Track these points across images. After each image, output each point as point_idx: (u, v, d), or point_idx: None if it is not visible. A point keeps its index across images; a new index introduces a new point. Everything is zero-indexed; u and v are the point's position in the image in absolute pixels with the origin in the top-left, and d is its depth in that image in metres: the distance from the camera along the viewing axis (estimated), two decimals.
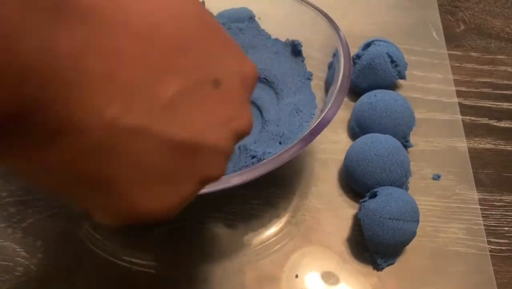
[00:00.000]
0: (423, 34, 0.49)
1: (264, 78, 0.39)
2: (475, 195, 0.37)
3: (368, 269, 0.33)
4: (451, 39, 0.49)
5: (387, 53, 0.40)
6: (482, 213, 0.37)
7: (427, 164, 0.39)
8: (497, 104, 0.44)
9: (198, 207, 0.36)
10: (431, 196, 0.37)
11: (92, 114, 0.14)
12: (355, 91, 0.42)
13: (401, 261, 0.34)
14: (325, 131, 0.30)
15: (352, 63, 0.34)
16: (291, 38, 0.41)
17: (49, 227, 0.35)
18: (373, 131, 0.37)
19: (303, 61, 0.41)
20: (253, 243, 0.34)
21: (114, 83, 0.14)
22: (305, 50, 0.41)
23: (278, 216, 0.36)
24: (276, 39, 0.42)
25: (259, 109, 0.39)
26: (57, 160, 0.14)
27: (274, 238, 0.35)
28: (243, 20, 0.42)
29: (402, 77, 0.41)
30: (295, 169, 0.38)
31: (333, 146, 0.40)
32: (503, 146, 0.41)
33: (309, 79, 0.40)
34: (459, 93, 0.44)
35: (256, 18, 0.43)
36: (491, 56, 0.48)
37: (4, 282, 0.32)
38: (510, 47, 0.49)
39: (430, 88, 0.44)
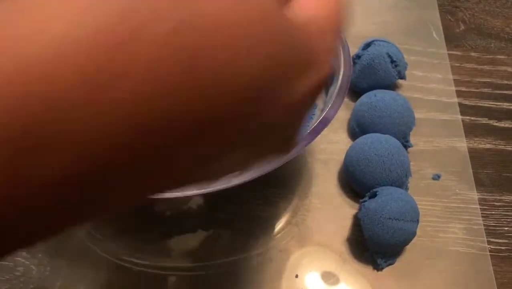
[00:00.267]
0: (423, 34, 0.49)
1: None
2: (475, 195, 0.37)
3: (368, 269, 0.33)
4: (451, 39, 0.49)
5: (387, 53, 0.40)
6: (482, 213, 0.37)
7: (427, 164, 0.39)
8: (497, 104, 0.44)
9: (198, 207, 0.36)
10: (431, 196, 0.37)
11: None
12: (355, 91, 0.42)
13: (401, 261, 0.34)
14: (325, 131, 0.30)
15: (352, 63, 0.34)
16: None
17: None
18: (373, 131, 0.37)
19: None
20: (253, 243, 0.34)
21: None
22: None
23: (278, 216, 0.36)
24: None
25: None
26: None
27: (274, 238, 0.35)
28: None
29: (402, 77, 0.41)
30: (295, 169, 0.38)
31: (333, 146, 0.40)
32: (503, 146, 0.41)
33: None
34: (459, 93, 0.44)
35: None
36: (491, 56, 0.48)
37: (4, 282, 0.32)
38: (510, 47, 0.48)
39: (430, 88, 0.44)
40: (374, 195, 0.33)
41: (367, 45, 0.42)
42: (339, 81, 0.33)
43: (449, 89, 0.44)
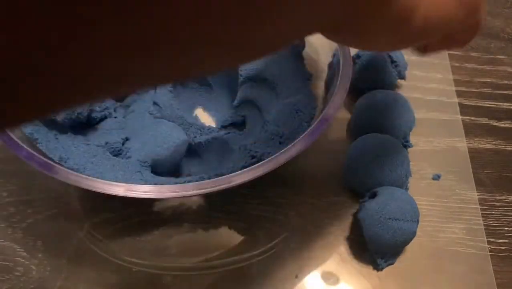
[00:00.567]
0: None
1: (264, 78, 0.39)
2: (475, 195, 0.37)
3: (368, 269, 0.33)
4: None
5: (387, 53, 0.40)
6: (482, 213, 0.37)
7: (427, 164, 0.39)
8: (497, 104, 0.44)
9: (198, 207, 0.36)
10: (431, 196, 0.37)
11: None
12: (355, 91, 0.42)
13: (401, 261, 0.34)
14: (325, 131, 0.30)
15: (352, 63, 0.34)
16: None
17: (49, 227, 0.35)
18: (373, 131, 0.37)
19: (303, 61, 0.41)
20: (253, 243, 0.34)
21: None
22: (305, 51, 0.41)
23: (278, 216, 0.36)
24: None
25: (259, 109, 0.39)
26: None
27: (274, 238, 0.35)
28: None
29: (402, 77, 0.41)
30: (295, 169, 0.38)
31: (333, 146, 0.40)
32: (503, 146, 0.41)
33: (309, 79, 0.40)
34: (459, 93, 0.44)
35: None
36: (491, 56, 0.48)
37: (4, 282, 0.32)
38: (510, 47, 0.48)
39: (430, 88, 0.44)
40: (374, 195, 0.33)
41: None
42: (339, 81, 0.33)
43: (449, 89, 0.44)
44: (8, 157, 0.36)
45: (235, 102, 0.39)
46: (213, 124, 0.40)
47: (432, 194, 0.37)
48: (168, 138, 0.35)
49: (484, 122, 0.42)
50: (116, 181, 0.28)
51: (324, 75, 0.39)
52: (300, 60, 0.41)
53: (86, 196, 0.36)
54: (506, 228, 0.36)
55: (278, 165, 0.29)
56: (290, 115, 0.37)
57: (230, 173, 0.28)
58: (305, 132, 0.30)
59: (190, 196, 0.33)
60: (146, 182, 0.32)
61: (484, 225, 0.36)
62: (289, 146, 0.29)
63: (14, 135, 0.29)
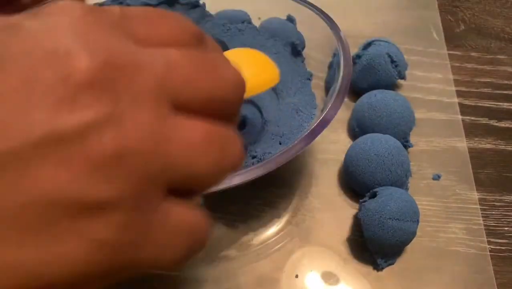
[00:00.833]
0: (423, 34, 0.49)
1: None
2: (475, 195, 0.37)
3: (368, 269, 0.33)
4: (451, 39, 0.49)
5: (387, 53, 0.40)
6: (482, 213, 0.37)
7: (427, 164, 0.39)
8: (497, 104, 0.44)
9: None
10: (431, 196, 0.37)
11: None
12: (355, 91, 0.42)
13: (401, 261, 0.34)
14: (325, 131, 0.30)
15: (352, 63, 0.34)
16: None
17: None
18: (373, 131, 0.37)
19: (303, 61, 0.41)
20: (253, 243, 0.35)
21: None
22: (305, 50, 0.41)
23: (278, 216, 0.36)
24: (276, 40, 0.42)
25: (259, 109, 0.39)
26: None
27: (274, 238, 0.35)
28: (243, 21, 0.42)
29: (402, 77, 0.42)
30: (295, 169, 0.38)
31: (333, 146, 0.40)
32: (503, 146, 0.41)
33: (309, 79, 0.40)
34: (459, 93, 0.44)
35: (256, 18, 0.43)
36: (491, 56, 0.48)
37: None
38: (510, 47, 0.49)
39: (430, 88, 0.44)
40: (374, 195, 0.33)
41: (367, 45, 0.42)
42: (339, 81, 0.33)
43: (449, 89, 0.44)
44: None
45: None
46: None
47: (432, 194, 0.37)
48: None
49: (484, 122, 0.42)
50: None
51: (324, 75, 0.39)
52: (300, 60, 0.41)
53: None
54: (506, 228, 0.36)
55: (278, 165, 0.29)
56: (290, 115, 0.37)
57: None
58: (305, 133, 0.30)
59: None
60: None
61: (484, 225, 0.36)
62: (289, 146, 0.29)
63: None
